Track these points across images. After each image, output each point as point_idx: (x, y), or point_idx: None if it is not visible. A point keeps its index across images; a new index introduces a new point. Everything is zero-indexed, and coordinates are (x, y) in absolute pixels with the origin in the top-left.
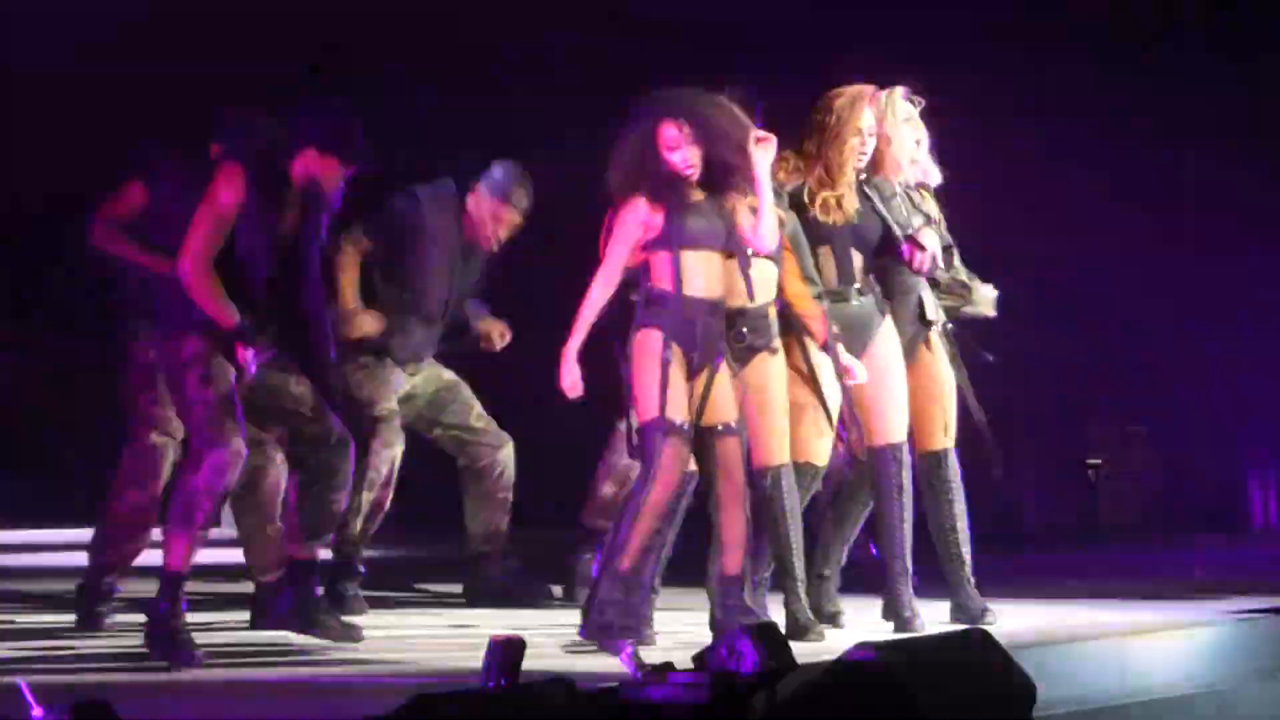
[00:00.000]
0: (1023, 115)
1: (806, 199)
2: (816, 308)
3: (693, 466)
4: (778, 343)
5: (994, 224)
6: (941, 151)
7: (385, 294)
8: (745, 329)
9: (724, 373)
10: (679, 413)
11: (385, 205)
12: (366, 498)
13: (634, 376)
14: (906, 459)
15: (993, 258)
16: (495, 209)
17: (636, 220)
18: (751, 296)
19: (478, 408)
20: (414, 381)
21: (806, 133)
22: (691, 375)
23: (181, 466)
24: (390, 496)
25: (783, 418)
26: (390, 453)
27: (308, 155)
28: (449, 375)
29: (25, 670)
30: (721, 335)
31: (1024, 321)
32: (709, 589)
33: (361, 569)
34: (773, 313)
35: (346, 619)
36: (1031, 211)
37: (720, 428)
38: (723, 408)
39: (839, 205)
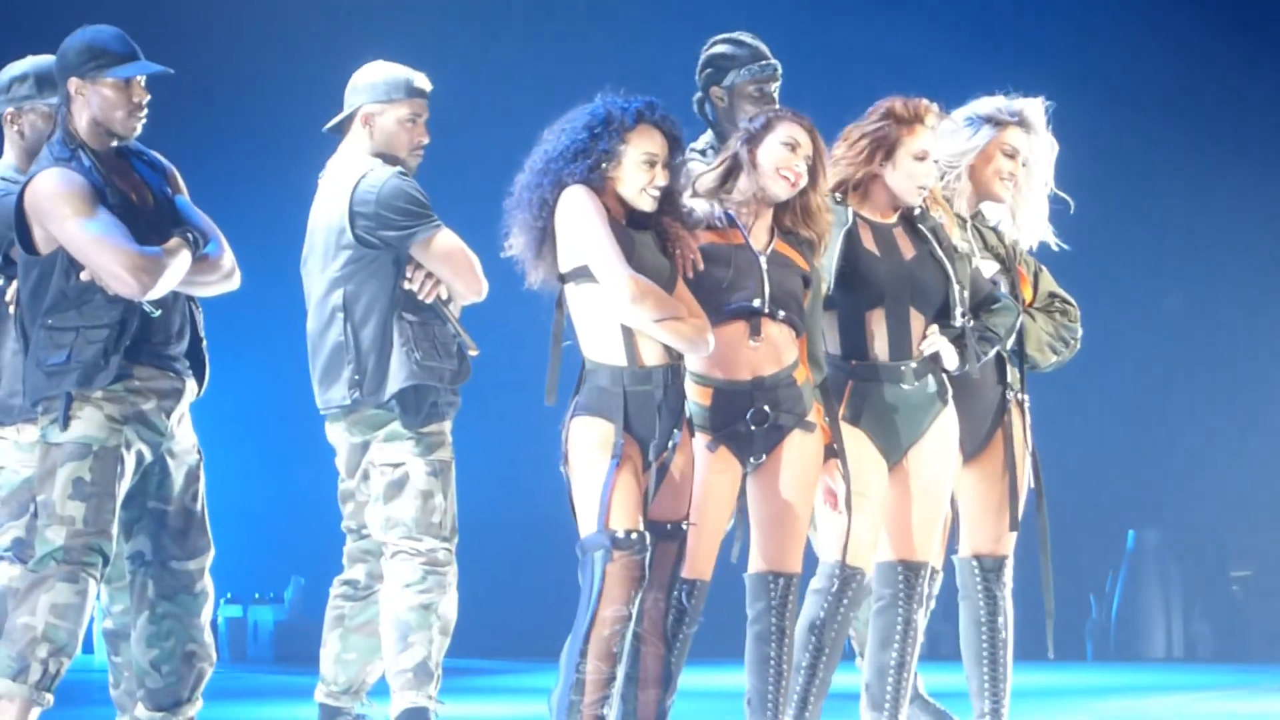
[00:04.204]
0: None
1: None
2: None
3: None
4: (814, 415)
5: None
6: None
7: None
8: (766, 405)
9: (683, 458)
10: (625, 522)
11: None
12: None
13: (573, 476)
14: (925, 590)
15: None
16: None
17: None
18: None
19: None
20: None
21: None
22: (646, 466)
23: None
24: None
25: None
26: None
27: None
28: None
29: None
30: (681, 408)
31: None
32: None
33: None
34: (802, 378)
35: None
36: None
37: (668, 526)
38: (674, 502)
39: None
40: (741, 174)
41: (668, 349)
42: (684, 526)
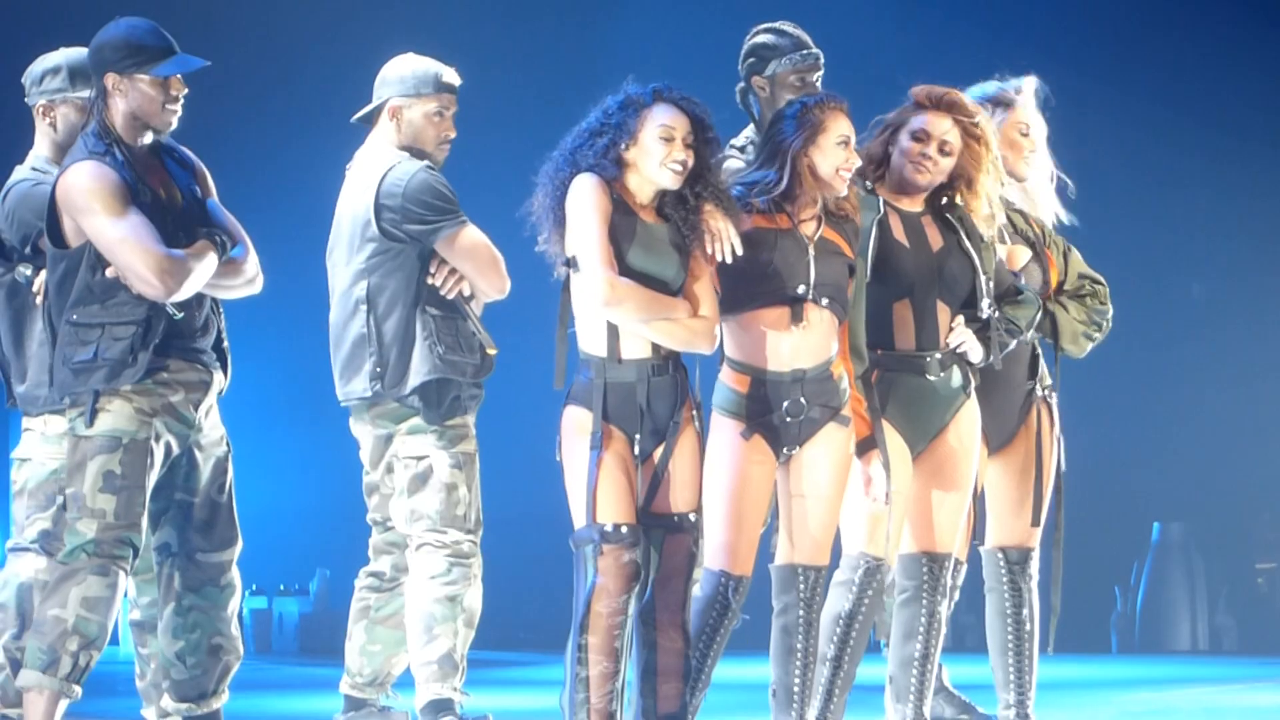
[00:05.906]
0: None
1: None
2: (857, 396)
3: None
4: (848, 409)
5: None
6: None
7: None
8: (803, 398)
9: (684, 448)
10: (613, 515)
11: None
12: None
13: (564, 464)
14: (949, 581)
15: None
16: None
17: None
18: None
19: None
20: None
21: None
22: (644, 457)
23: None
24: None
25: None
26: None
27: None
28: None
29: None
30: (683, 399)
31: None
32: None
33: None
34: (838, 371)
35: None
36: None
37: (675, 519)
38: (678, 494)
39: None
40: (800, 182)
41: (655, 345)
42: (692, 517)
